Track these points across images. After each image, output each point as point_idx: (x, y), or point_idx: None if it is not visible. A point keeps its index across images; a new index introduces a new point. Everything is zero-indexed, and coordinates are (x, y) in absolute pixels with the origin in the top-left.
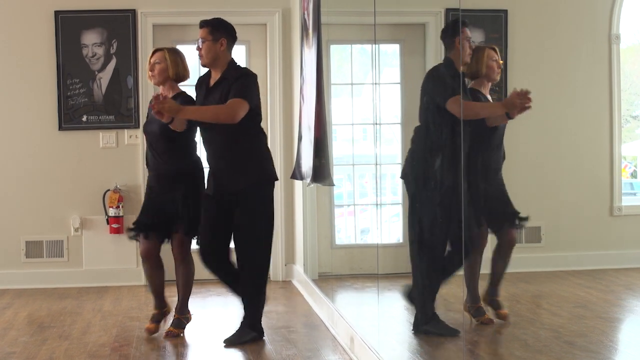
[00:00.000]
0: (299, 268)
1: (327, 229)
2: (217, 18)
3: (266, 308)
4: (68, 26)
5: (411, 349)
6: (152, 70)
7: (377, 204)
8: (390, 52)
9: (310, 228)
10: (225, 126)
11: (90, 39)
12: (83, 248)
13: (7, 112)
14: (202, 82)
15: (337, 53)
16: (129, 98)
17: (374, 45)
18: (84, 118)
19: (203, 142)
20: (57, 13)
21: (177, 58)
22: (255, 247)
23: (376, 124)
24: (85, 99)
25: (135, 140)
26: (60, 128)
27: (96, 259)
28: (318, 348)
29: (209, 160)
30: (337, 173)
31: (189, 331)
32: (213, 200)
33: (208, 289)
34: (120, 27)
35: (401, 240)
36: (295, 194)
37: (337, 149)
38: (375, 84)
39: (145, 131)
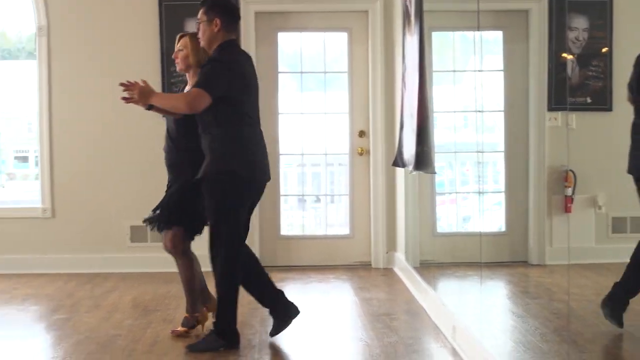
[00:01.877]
0: (400, 255)
1: (428, 216)
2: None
3: (368, 295)
4: (172, 14)
5: (514, 338)
6: (176, 57)
7: (479, 192)
8: (492, 39)
9: (412, 216)
10: (199, 115)
11: (194, 27)
12: None
13: (114, 100)
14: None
15: (438, 40)
16: None
17: (476, 32)
18: None
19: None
20: (161, 1)
21: (199, 44)
22: (212, 242)
23: (478, 111)
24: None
25: None
26: (164, 116)
27: (197, 243)
28: (419, 336)
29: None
30: (439, 161)
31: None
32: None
33: (308, 275)
34: None
35: (503, 229)
36: (397, 182)
37: (439, 137)
38: (478, 71)
39: (165, 118)
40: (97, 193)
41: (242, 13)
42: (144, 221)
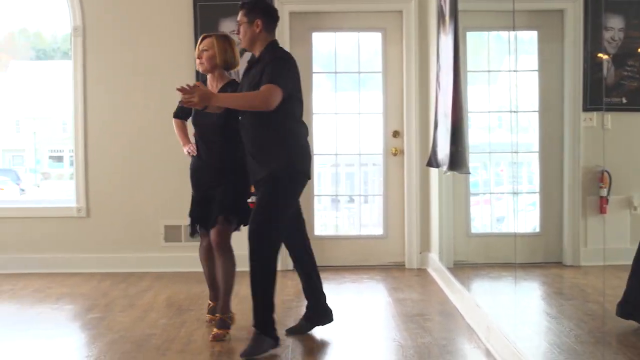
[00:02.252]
0: (434, 256)
1: (462, 217)
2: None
3: (401, 295)
4: (207, 14)
5: (548, 339)
6: (199, 57)
7: (513, 193)
8: (527, 39)
9: (446, 216)
10: (256, 113)
11: (229, 27)
12: None
13: (148, 99)
14: (250, 65)
15: (472, 40)
16: None
17: (511, 32)
18: None
19: (240, 128)
20: (195, 2)
21: (226, 45)
22: (252, 238)
23: (513, 111)
24: None
25: None
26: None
27: (233, 244)
28: (453, 337)
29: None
30: (473, 161)
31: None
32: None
33: (342, 275)
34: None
35: (537, 230)
36: (430, 182)
37: (473, 137)
38: (512, 71)
39: (196, 124)
40: (132, 192)
41: None
42: (193, 224)
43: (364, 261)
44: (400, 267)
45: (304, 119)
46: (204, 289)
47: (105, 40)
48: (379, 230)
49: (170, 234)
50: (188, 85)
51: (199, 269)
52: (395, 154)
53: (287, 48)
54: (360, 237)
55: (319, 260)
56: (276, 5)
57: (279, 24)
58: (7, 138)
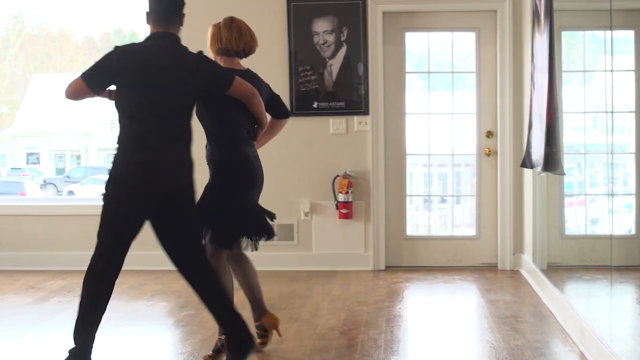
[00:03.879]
0: (527, 257)
1: (556, 218)
2: None
3: (494, 297)
4: (300, 14)
5: None
6: None
7: (609, 194)
8: (622, 39)
9: (540, 217)
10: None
11: (322, 27)
12: (312, 232)
13: None
14: None
15: (566, 39)
16: (359, 85)
17: (606, 32)
18: (315, 104)
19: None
20: (289, 1)
21: (215, 30)
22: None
23: (608, 112)
24: (317, 85)
25: (364, 127)
26: (292, 114)
27: (325, 243)
28: (547, 339)
29: None
30: (567, 162)
31: (415, 318)
32: None
33: (434, 276)
34: (351, 14)
35: (633, 232)
36: (524, 183)
37: (567, 138)
38: (608, 71)
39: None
40: None
41: (369, 13)
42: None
43: (456, 262)
44: (492, 268)
45: (397, 118)
46: (296, 288)
47: (198, 40)
48: (471, 231)
49: None
50: None
51: (291, 268)
52: (488, 155)
53: (379, 47)
54: (452, 238)
55: (411, 261)
56: (369, 5)
57: (372, 23)
58: (102, 137)
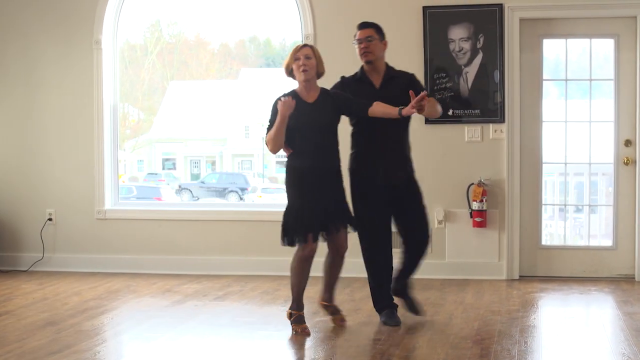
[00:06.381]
0: None
1: None
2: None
3: (631, 309)
4: (436, 21)
5: None
6: (304, 64)
7: None
8: None
9: None
10: (404, 120)
11: (457, 34)
12: (446, 240)
13: None
14: (360, 80)
15: None
16: (495, 92)
17: None
18: (450, 112)
19: (369, 133)
20: (425, 9)
21: (320, 55)
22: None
23: None
24: (452, 92)
25: (500, 135)
26: (427, 122)
27: (459, 251)
28: None
29: (372, 151)
30: None
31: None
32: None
33: (570, 286)
34: (487, 21)
35: None
36: None
37: None
38: None
39: (307, 125)
40: None
41: (506, 20)
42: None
43: (592, 273)
44: (629, 279)
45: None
46: (429, 296)
47: (334, 48)
48: (608, 242)
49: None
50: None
51: (425, 276)
52: (627, 164)
53: (516, 54)
54: (588, 248)
55: (546, 271)
56: (506, 12)
57: (509, 30)
58: (237, 143)
